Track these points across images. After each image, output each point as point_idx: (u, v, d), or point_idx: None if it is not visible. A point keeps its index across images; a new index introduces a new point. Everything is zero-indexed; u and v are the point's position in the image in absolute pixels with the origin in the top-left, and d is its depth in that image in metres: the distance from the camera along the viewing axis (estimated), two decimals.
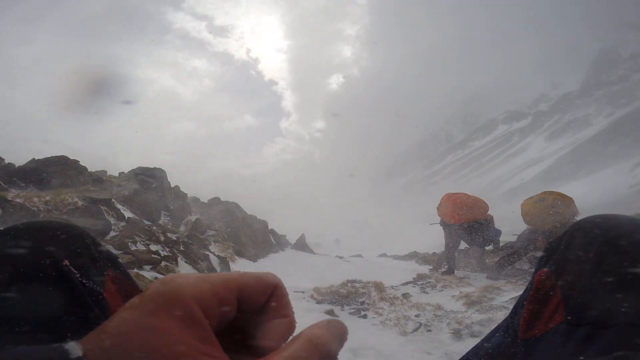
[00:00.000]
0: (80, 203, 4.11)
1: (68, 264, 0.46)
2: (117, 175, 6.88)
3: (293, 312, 0.26)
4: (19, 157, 5.40)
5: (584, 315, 0.43)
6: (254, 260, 6.60)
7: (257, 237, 8.35)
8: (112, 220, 4.06)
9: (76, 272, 0.46)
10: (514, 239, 5.08)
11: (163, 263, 3.41)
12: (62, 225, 0.52)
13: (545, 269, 0.52)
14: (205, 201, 8.98)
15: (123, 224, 4.14)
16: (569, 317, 0.45)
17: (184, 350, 0.19)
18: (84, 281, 0.46)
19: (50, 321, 0.41)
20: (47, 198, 3.97)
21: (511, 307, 0.61)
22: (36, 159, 5.45)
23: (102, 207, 4.16)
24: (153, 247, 3.76)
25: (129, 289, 0.54)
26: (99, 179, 5.57)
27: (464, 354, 0.67)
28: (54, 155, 5.55)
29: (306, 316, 3.06)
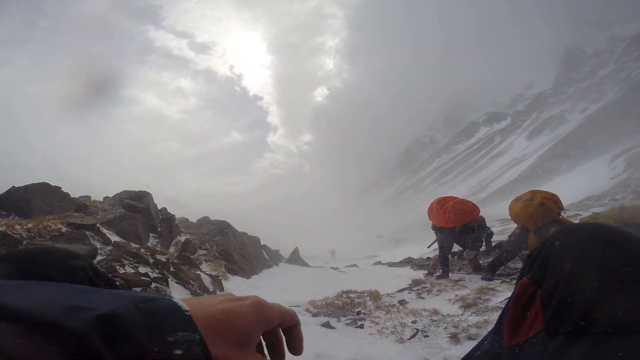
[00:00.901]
0: (64, 229, 4.00)
1: None
2: (101, 200, 6.73)
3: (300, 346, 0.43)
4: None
5: (561, 323, 0.44)
6: (247, 277, 6.49)
7: (249, 254, 8.24)
8: (98, 245, 3.95)
9: None
10: (505, 238, 5.14)
11: (153, 285, 3.32)
12: (61, 251, 0.52)
13: (526, 278, 0.53)
14: (195, 221, 8.85)
15: (110, 247, 4.03)
16: (547, 326, 0.46)
17: (254, 332, 0.34)
18: None
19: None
20: (30, 225, 3.85)
21: None
22: (17, 186, 5.30)
23: (87, 233, 4.05)
24: (142, 270, 3.66)
25: None
26: (83, 204, 5.43)
27: (461, 357, 0.67)
28: (35, 182, 5.41)
29: (302, 329, 3.01)
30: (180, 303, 0.30)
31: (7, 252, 0.50)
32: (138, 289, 3.10)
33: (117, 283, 0.58)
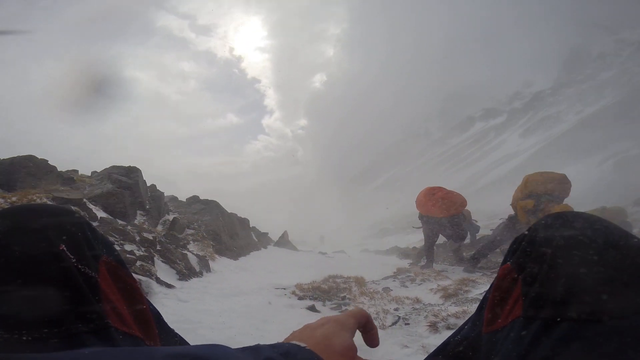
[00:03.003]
0: (49, 203, 3.93)
1: (65, 248, 0.45)
2: (89, 174, 6.61)
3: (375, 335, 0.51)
4: None
5: (539, 309, 0.44)
6: (235, 259, 6.52)
7: (238, 235, 8.26)
8: None
9: (72, 257, 0.45)
10: (490, 233, 5.24)
11: (138, 263, 3.31)
12: (60, 209, 0.50)
13: (508, 263, 0.53)
14: (184, 200, 8.79)
15: (96, 224, 3.99)
16: (525, 312, 0.46)
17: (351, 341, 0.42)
18: (79, 266, 0.45)
19: (44, 306, 0.41)
20: (14, 199, 3.77)
21: None
22: (1, 158, 5.16)
23: (72, 207, 3.99)
24: (128, 247, 3.65)
25: (123, 275, 0.54)
26: (70, 178, 5.33)
27: (439, 345, 0.68)
28: (20, 154, 5.27)
29: (287, 312, 3.06)
30: (297, 343, 0.39)
31: (2, 208, 0.48)
32: None
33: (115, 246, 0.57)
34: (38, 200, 3.94)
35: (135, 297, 0.54)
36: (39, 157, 5.39)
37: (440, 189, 5.20)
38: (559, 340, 0.40)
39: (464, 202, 5.10)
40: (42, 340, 0.39)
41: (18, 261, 0.42)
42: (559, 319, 0.41)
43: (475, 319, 0.61)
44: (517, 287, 0.50)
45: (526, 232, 0.53)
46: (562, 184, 4.40)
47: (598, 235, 0.45)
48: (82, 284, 0.44)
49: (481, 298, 0.61)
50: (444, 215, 4.97)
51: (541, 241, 0.49)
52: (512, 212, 4.75)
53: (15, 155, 5.17)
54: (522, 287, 0.48)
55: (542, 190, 4.41)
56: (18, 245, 0.43)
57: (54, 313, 0.41)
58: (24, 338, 0.38)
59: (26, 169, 4.94)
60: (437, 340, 2.15)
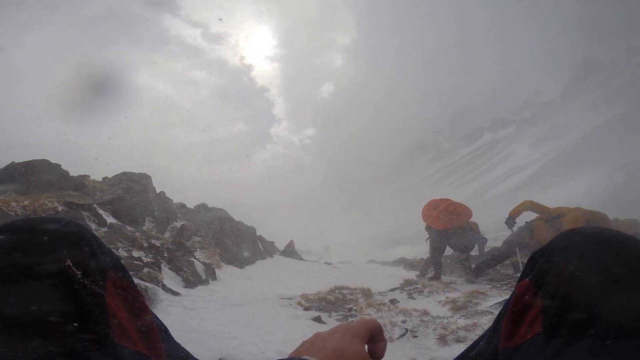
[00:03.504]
0: (60, 208, 3.99)
1: (71, 264, 0.44)
2: (100, 180, 6.71)
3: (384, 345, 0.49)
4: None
5: (560, 326, 0.43)
6: (241, 267, 6.51)
7: (244, 244, 8.25)
8: (93, 226, 3.95)
9: (78, 272, 0.44)
10: (499, 245, 5.17)
11: (146, 270, 3.33)
12: (66, 222, 0.49)
13: (527, 280, 0.52)
14: (192, 207, 8.85)
15: (105, 229, 4.03)
16: (546, 328, 0.45)
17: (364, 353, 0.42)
18: (85, 282, 0.44)
19: (49, 323, 0.40)
20: (26, 202, 3.84)
21: (496, 312, 0.60)
22: (16, 162, 5.28)
23: (83, 213, 4.04)
24: (136, 254, 3.67)
25: (130, 291, 0.52)
26: (81, 183, 5.42)
27: (452, 358, 0.66)
28: (34, 158, 5.39)
29: (293, 323, 3.03)
30: (308, 358, 0.38)
31: (7, 222, 0.48)
32: (130, 273, 3.11)
33: (121, 259, 0.56)
34: (49, 204, 4.01)
35: (142, 313, 0.53)
36: (52, 162, 5.51)
37: (445, 200, 5.16)
38: (582, 358, 0.38)
39: (469, 214, 5.05)
40: (47, 359, 0.38)
41: (22, 278, 0.40)
42: (581, 337, 0.40)
43: (491, 335, 0.59)
44: (536, 303, 0.48)
45: (544, 248, 0.52)
46: (600, 218, 4.36)
47: (620, 251, 0.44)
48: (88, 301, 0.43)
49: (492, 311, 0.60)
50: (448, 226, 4.92)
51: (561, 257, 0.47)
52: (522, 225, 4.69)
53: (29, 159, 5.29)
54: (541, 303, 0.47)
55: (554, 211, 4.43)
56: (22, 261, 0.41)
57: (59, 330, 0.40)
58: (29, 356, 0.37)
59: (40, 173, 5.04)
60: (446, 353, 2.10)
